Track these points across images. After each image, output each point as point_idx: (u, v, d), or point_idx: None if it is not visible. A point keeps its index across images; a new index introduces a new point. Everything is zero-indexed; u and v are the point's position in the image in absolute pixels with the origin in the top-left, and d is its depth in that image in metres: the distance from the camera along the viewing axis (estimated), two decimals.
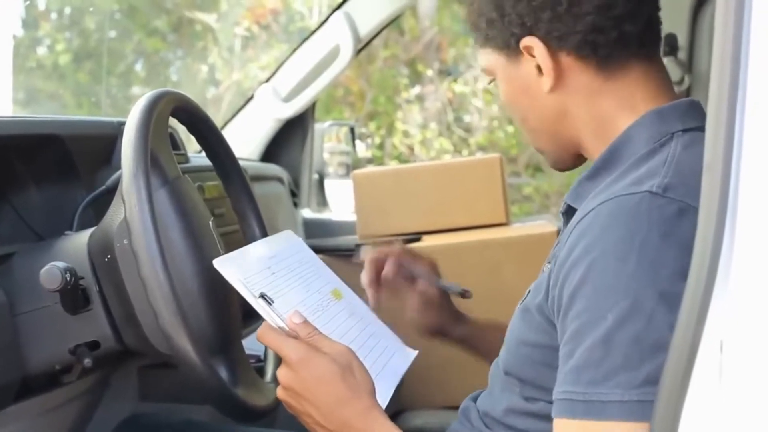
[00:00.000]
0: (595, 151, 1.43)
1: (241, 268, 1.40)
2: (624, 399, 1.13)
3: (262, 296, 1.36)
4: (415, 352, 1.62)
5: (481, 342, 1.81)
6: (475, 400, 1.60)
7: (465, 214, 2.87)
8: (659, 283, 1.15)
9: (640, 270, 1.16)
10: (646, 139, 1.35)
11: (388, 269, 1.77)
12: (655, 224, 1.18)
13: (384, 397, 1.40)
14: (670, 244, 1.17)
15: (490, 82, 1.52)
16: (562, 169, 1.52)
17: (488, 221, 2.86)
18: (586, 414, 1.16)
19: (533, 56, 1.38)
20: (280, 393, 1.36)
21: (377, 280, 1.77)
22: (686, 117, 1.36)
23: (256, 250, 1.51)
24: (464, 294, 1.77)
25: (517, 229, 2.83)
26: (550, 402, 1.25)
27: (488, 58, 1.46)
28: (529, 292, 1.42)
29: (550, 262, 1.35)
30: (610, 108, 1.40)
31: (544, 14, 1.35)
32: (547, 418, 1.27)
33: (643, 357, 1.13)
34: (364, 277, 1.76)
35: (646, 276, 1.16)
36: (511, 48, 1.41)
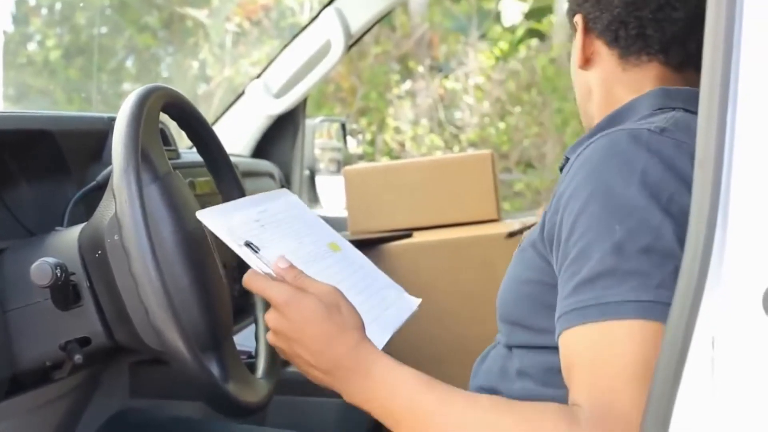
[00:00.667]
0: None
1: (227, 219, 1.39)
2: (641, 299, 1.17)
3: (248, 244, 1.35)
4: (419, 300, 1.59)
5: None
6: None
7: (456, 210, 2.87)
8: (663, 201, 1.22)
9: (643, 191, 1.23)
10: (649, 106, 1.47)
11: None
12: (655, 153, 1.27)
13: (378, 342, 1.38)
14: (670, 171, 1.25)
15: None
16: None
17: (479, 217, 2.87)
18: (601, 315, 1.18)
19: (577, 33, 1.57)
20: (270, 338, 1.36)
21: None
22: (691, 101, 1.41)
23: (245, 203, 1.51)
24: None
25: (509, 225, 2.83)
26: (534, 347, 1.34)
27: (569, 22, 1.63)
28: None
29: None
30: (621, 96, 1.54)
31: None
32: (526, 375, 1.35)
33: (654, 264, 1.18)
34: None
35: (650, 196, 1.22)
36: (571, 22, 1.60)
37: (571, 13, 1.60)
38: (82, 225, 1.58)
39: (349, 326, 1.32)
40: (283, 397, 2.00)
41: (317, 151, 3.53)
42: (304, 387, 2.14)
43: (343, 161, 3.70)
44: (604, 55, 1.56)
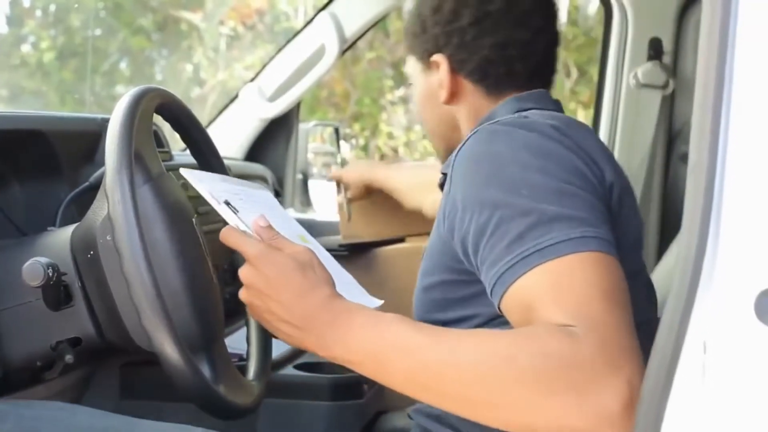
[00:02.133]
0: None
1: (210, 182, 1.43)
2: (571, 237, 1.23)
3: (227, 203, 1.38)
4: (380, 302, 1.59)
5: None
6: None
7: None
8: (553, 157, 1.35)
9: (532, 154, 1.35)
10: (505, 112, 1.59)
11: None
12: (528, 129, 1.40)
13: None
14: (547, 139, 1.38)
15: (408, 86, 1.81)
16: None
17: None
18: (542, 258, 1.23)
19: (439, 71, 1.65)
20: (242, 293, 1.37)
21: None
22: (540, 101, 1.62)
23: (229, 179, 1.54)
24: None
25: None
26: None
27: (410, 64, 1.74)
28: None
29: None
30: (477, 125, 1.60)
31: (453, 39, 1.63)
32: None
33: (570, 206, 1.28)
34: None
35: (540, 156, 1.35)
36: (425, 60, 1.68)
37: (426, 53, 1.67)
38: (74, 225, 1.58)
39: (321, 282, 1.33)
40: (275, 400, 2.00)
41: (310, 156, 3.52)
42: (296, 390, 2.15)
43: (337, 166, 3.69)
44: (469, 90, 1.66)
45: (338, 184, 2.63)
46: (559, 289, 1.20)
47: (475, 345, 1.20)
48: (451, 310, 1.46)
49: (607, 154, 1.47)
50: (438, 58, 1.65)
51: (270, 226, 1.38)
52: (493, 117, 1.58)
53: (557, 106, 1.64)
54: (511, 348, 1.16)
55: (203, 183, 1.40)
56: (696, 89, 1.04)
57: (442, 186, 1.63)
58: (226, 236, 1.37)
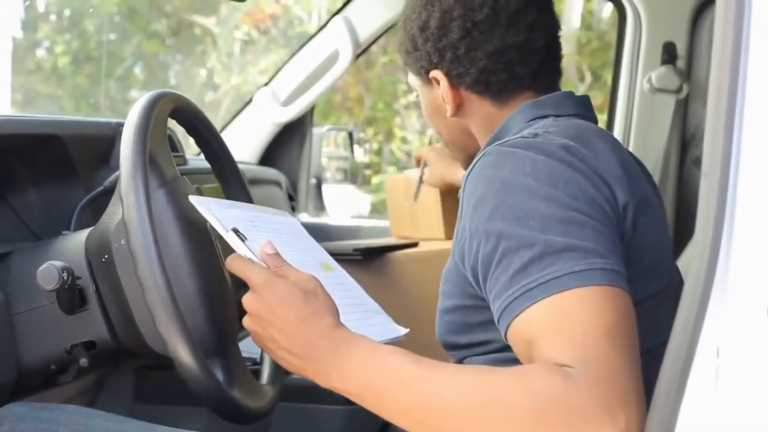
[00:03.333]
0: None
1: (220, 209, 1.41)
2: (575, 270, 1.20)
3: (235, 231, 1.36)
4: (405, 330, 1.59)
5: None
6: None
7: None
8: (560, 185, 1.30)
9: (539, 181, 1.31)
10: (521, 120, 1.56)
11: None
12: (537, 151, 1.35)
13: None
14: (556, 161, 1.33)
15: (416, 97, 1.75)
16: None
17: None
18: (545, 293, 1.20)
19: (439, 85, 1.61)
20: (245, 320, 1.36)
21: None
22: (560, 106, 1.56)
23: (244, 205, 1.53)
24: None
25: None
26: (478, 355, 1.40)
27: (411, 77, 1.70)
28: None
29: None
30: (493, 131, 1.60)
31: (446, 55, 1.58)
32: None
33: (576, 238, 1.24)
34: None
35: (547, 184, 1.30)
36: (423, 76, 1.64)
37: (423, 70, 1.63)
38: (89, 229, 1.59)
39: (324, 311, 1.32)
40: (288, 404, 2.00)
41: (324, 160, 3.53)
42: (309, 394, 2.15)
43: (350, 170, 3.69)
44: (475, 100, 1.60)
45: (418, 161, 2.63)
46: (560, 326, 1.18)
47: (472, 382, 1.19)
48: (469, 333, 1.46)
49: (627, 167, 1.42)
50: (435, 74, 1.60)
51: (277, 254, 1.36)
52: (507, 128, 1.56)
53: (580, 108, 1.58)
54: (507, 387, 1.15)
55: (211, 211, 1.39)
56: (709, 94, 1.04)
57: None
58: (231, 264, 1.36)
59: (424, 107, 1.71)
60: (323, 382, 1.30)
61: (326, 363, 1.29)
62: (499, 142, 1.43)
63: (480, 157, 1.41)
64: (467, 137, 1.67)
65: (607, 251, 1.24)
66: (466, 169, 1.62)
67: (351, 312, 1.46)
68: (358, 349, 1.28)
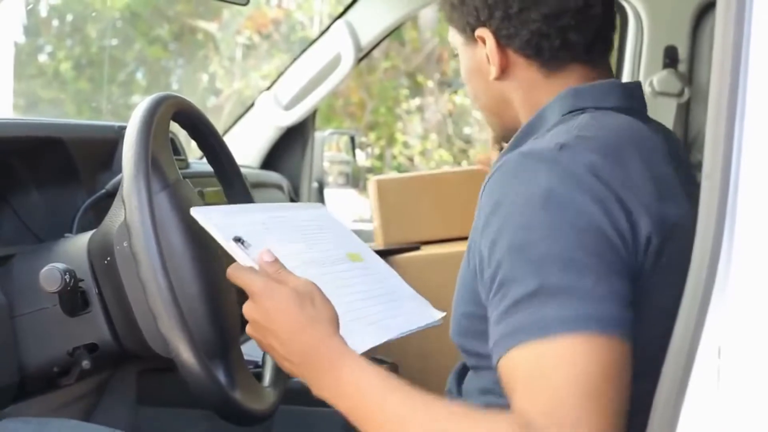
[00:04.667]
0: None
1: (222, 217, 1.41)
2: (562, 315, 1.16)
3: (237, 239, 1.36)
4: (442, 314, 1.58)
5: None
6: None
7: None
8: (570, 216, 1.22)
9: (550, 209, 1.22)
10: (558, 111, 1.45)
11: None
12: (556, 169, 1.26)
13: (367, 342, 1.37)
14: (573, 185, 1.24)
15: (455, 56, 1.60)
16: (502, 141, 1.61)
17: None
18: (529, 336, 1.17)
19: (485, 45, 1.48)
20: (247, 328, 1.36)
21: None
22: (603, 97, 1.45)
23: (256, 207, 1.54)
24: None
25: None
26: (485, 368, 1.33)
27: (452, 35, 1.56)
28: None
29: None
30: (544, 100, 1.48)
31: (496, 12, 1.45)
32: (489, 392, 1.33)
33: (572, 280, 1.18)
34: None
35: (557, 213, 1.22)
36: (467, 33, 1.51)
37: (469, 27, 1.50)
38: (91, 232, 1.59)
39: (320, 318, 1.32)
40: (290, 407, 2.00)
41: (326, 164, 3.53)
42: (311, 397, 2.14)
43: (352, 174, 3.70)
44: (522, 65, 1.48)
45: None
46: (537, 377, 1.15)
47: (439, 422, 1.19)
48: (478, 341, 1.38)
49: (661, 185, 1.32)
50: (482, 32, 1.47)
51: (275, 261, 1.36)
52: (543, 117, 1.46)
53: (625, 100, 1.46)
54: None
55: (212, 220, 1.39)
56: (710, 97, 1.04)
57: None
58: (231, 274, 1.36)
59: (463, 68, 1.58)
60: (315, 391, 1.32)
61: (318, 374, 1.30)
62: (525, 148, 1.34)
63: (500, 165, 1.33)
64: (505, 105, 1.54)
65: (606, 294, 1.18)
66: (496, 140, 1.63)
67: (373, 304, 1.47)
68: (344, 367, 1.29)
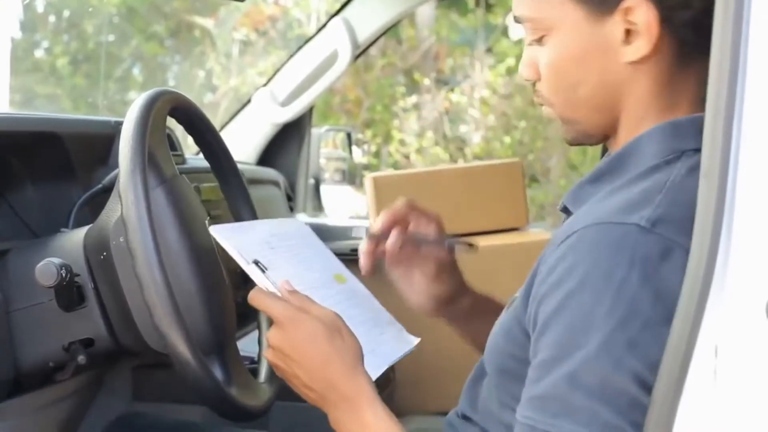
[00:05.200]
0: (619, 143, 1.34)
1: (239, 237, 1.42)
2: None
3: (256, 263, 1.37)
4: (417, 340, 1.60)
5: (483, 316, 1.65)
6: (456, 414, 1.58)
7: (486, 218, 2.90)
8: (631, 329, 1.11)
9: (614, 312, 1.11)
10: (654, 153, 1.27)
11: (393, 242, 1.59)
12: (637, 264, 1.12)
13: (373, 374, 1.39)
14: (648, 289, 1.11)
15: (540, 39, 1.33)
16: (577, 144, 1.41)
17: (509, 225, 2.90)
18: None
19: (628, 20, 1.24)
20: (268, 354, 1.36)
21: (374, 252, 1.60)
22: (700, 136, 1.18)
23: (259, 226, 1.53)
24: (471, 246, 1.66)
25: (512, 237, 2.85)
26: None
27: (555, 9, 1.29)
28: (513, 301, 1.37)
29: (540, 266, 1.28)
30: (658, 100, 1.30)
31: None
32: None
33: (605, 401, 1.11)
34: (362, 246, 1.59)
35: (619, 320, 1.11)
36: (604, 3, 1.25)
37: None
38: (87, 227, 1.59)
39: (348, 352, 1.33)
40: (286, 403, 2.00)
41: (323, 161, 3.53)
42: None
43: (349, 171, 3.69)
44: (664, 50, 1.27)
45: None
46: None
47: None
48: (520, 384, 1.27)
49: None
50: (637, 2, 1.23)
51: (294, 290, 1.36)
52: (636, 150, 1.29)
53: None
54: None
55: (231, 240, 1.40)
56: (708, 93, 1.04)
57: (561, 211, 1.40)
58: (254, 299, 1.36)
59: (567, 50, 1.30)
60: (332, 424, 1.33)
61: (339, 408, 1.32)
62: (610, 221, 1.18)
63: (580, 229, 1.19)
64: (617, 100, 1.31)
65: (635, 423, 1.10)
66: (573, 138, 1.39)
67: (365, 331, 1.48)
68: (366, 409, 1.30)
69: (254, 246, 1.42)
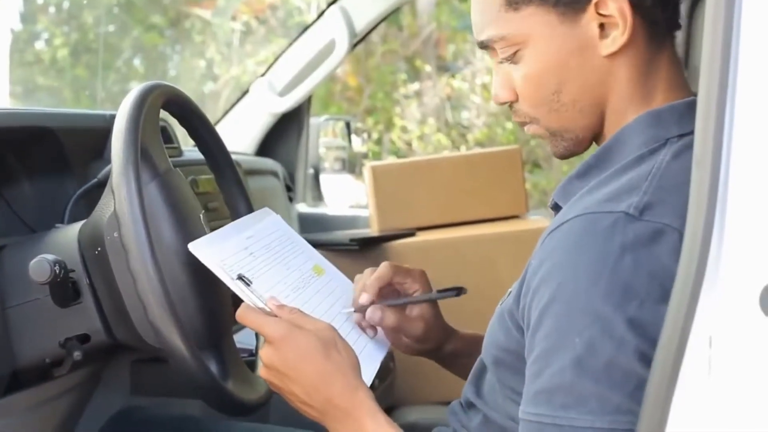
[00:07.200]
0: (604, 139, 1.35)
1: (218, 251, 1.41)
2: (595, 426, 1.11)
3: (240, 278, 1.37)
4: (387, 347, 1.61)
5: (468, 358, 1.65)
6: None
7: (485, 205, 2.90)
8: (629, 309, 1.11)
9: (610, 295, 1.12)
10: (638, 144, 1.29)
11: (372, 317, 1.56)
12: (628, 248, 1.13)
13: (367, 377, 1.39)
14: (642, 270, 1.12)
15: (513, 56, 1.33)
16: (568, 156, 1.40)
17: (508, 212, 2.90)
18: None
19: (600, 14, 1.26)
20: (263, 372, 1.35)
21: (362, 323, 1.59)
22: (684, 119, 1.27)
23: (234, 230, 1.52)
24: (460, 292, 1.62)
25: (511, 224, 2.84)
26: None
27: (525, 21, 1.29)
28: (509, 293, 1.36)
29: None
30: (637, 88, 1.31)
31: None
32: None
33: (613, 385, 1.11)
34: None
35: (616, 301, 1.12)
36: (576, 2, 1.26)
37: None
38: (82, 222, 1.59)
39: (345, 366, 1.32)
40: None
41: (322, 150, 3.53)
42: None
43: (348, 160, 3.70)
44: (638, 38, 1.28)
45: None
46: None
47: None
48: (520, 382, 1.26)
49: None
50: None
51: (283, 305, 1.36)
52: (621, 142, 1.30)
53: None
54: None
55: (212, 257, 1.38)
56: (700, 83, 1.03)
57: (552, 208, 1.40)
58: (242, 317, 1.35)
59: (547, 57, 1.30)
60: None
61: (341, 423, 1.31)
62: (598, 210, 1.19)
63: (569, 220, 1.20)
64: (601, 96, 1.32)
65: (632, 402, 1.10)
66: (563, 152, 1.39)
67: (349, 329, 1.48)
68: (370, 421, 1.30)
69: (234, 256, 1.42)
